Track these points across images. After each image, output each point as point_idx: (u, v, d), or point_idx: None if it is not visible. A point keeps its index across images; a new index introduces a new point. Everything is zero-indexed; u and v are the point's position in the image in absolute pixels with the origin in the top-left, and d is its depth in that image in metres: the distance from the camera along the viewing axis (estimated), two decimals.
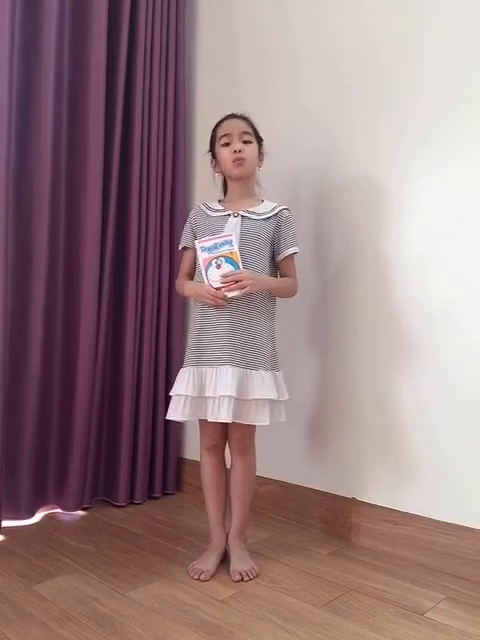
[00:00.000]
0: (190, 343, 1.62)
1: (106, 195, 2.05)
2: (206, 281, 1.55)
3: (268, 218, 1.64)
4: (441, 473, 1.64)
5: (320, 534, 1.87)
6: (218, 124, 1.68)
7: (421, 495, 1.68)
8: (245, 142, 1.63)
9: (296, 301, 1.81)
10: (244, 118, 1.67)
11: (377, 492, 1.77)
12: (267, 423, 1.54)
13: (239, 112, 1.68)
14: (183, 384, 1.56)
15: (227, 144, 1.63)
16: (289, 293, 1.69)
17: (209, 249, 1.54)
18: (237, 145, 1.61)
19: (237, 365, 1.52)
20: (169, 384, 2.20)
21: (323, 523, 1.88)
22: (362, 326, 1.83)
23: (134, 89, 2.12)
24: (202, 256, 1.55)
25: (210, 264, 1.54)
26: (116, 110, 2.07)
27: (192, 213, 1.73)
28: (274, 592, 1.46)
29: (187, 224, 1.73)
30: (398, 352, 1.74)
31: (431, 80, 1.68)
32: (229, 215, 1.63)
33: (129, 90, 2.12)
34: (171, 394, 1.59)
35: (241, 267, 1.52)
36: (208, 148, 1.73)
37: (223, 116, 1.68)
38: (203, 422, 1.58)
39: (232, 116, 1.67)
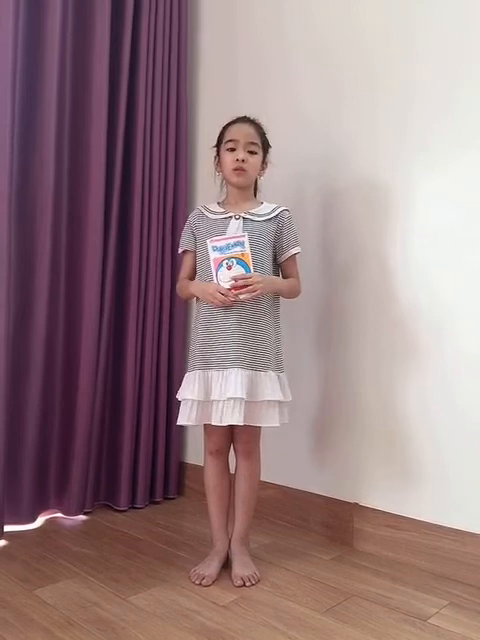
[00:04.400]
0: (196, 346, 1.60)
1: (108, 200, 2.05)
2: (216, 281, 1.54)
3: (269, 219, 1.64)
4: (444, 478, 1.64)
5: (322, 539, 1.86)
6: (228, 125, 1.66)
7: (424, 500, 1.67)
8: (250, 152, 1.61)
9: (300, 304, 1.81)
10: (254, 124, 1.65)
11: (380, 497, 1.76)
12: (277, 424, 1.53)
13: (251, 116, 1.66)
14: (190, 388, 1.55)
15: (232, 149, 1.62)
16: (294, 294, 1.69)
17: (221, 249, 1.52)
18: (241, 154, 1.60)
19: (246, 367, 1.52)
20: (171, 388, 2.21)
21: (325, 528, 1.88)
22: (366, 330, 1.83)
23: (136, 96, 2.12)
24: (213, 255, 1.53)
25: (221, 264, 1.52)
26: (119, 116, 2.07)
27: (191, 216, 1.72)
28: (276, 597, 1.45)
29: (186, 227, 1.72)
30: (402, 357, 1.74)
31: (431, 82, 1.68)
32: (230, 217, 1.63)
33: (131, 97, 2.12)
34: (179, 398, 1.59)
35: (252, 269, 1.52)
36: (212, 146, 1.70)
37: (234, 117, 1.66)
38: (209, 426, 1.57)
39: (243, 120, 1.65)
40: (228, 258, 1.51)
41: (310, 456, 1.95)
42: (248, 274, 1.51)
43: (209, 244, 1.54)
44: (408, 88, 1.74)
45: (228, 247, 1.52)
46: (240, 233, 1.56)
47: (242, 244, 1.51)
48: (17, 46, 1.81)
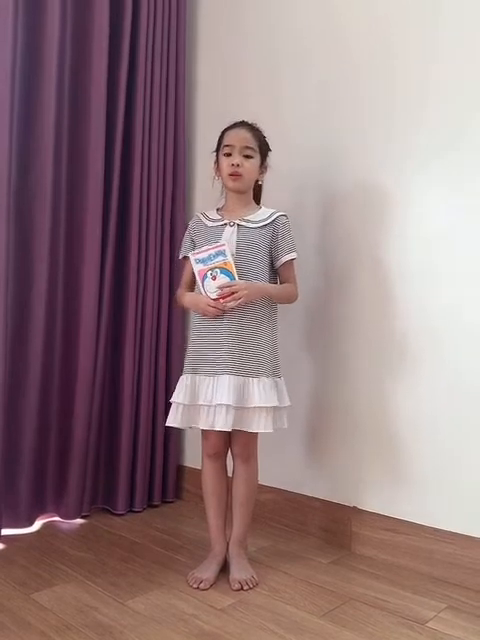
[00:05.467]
0: (189, 351, 1.63)
1: (106, 207, 2.05)
2: (203, 293, 1.56)
3: (264, 226, 1.64)
4: (442, 481, 1.64)
5: (320, 543, 1.86)
6: (225, 131, 1.66)
7: (422, 504, 1.67)
8: (246, 156, 1.62)
9: (296, 308, 1.81)
10: (251, 128, 1.65)
11: (378, 501, 1.76)
12: (270, 430, 1.54)
13: (249, 120, 1.67)
14: (180, 392, 1.57)
15: (228, 154, 1.62)
16: (288, 299, 1.69)
17: (203, 261, 1.55)
18: (236, 159, 1.61)
19: (236, 373, 1.52)
20: (169, 392, 2.20)
21: (323, 532, 1.87)
22: (363, 334, 1.83)
23: (135, 103, 2.12)
24: (197, 268, 1.56)
25: (205, 276, 1.55)
26: (117, 121, 2.07)
27: (191, 223, 1.73)
28: (274, 601, 1.45)
29: (186, 234, 1.73)
30: (399, 361, 1.74)
31: (438, 90, 1.68)
32: (225, 224, 1.63)
33: (130, 104, 2.12)
34: (170, 401, 1.60)
35: (236, 277, 1.53)
36: (211, 152, 1.71)
37: (232, 122, 1.67)
38: (206, 429, 1.58)
39: (239, 125, 1.65)
40: (211, 269, 1.54)
41: (308, 460, 1.95)
42: (232, 282, 1.52)
43: (192, 257, 1.57)
44: (416, 95, 1.73)
45: (210, 258, 1.54)
46: (221, 242, 1.56)
47: (223, 253, 1.53)
48: (17, 49, 1.81)
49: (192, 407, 1.55)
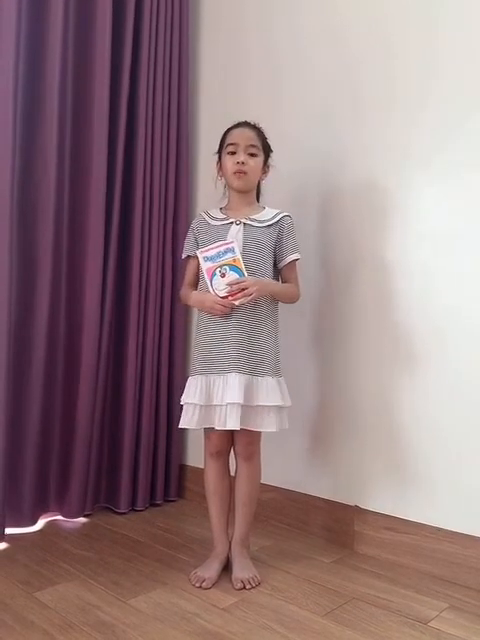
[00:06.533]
0: (197, 351, 1.62)
1: (109, 205, 2.06)
2: (211, 290, 1.55)
3: (270, 225, 1.64)
4: (445, 481, 1.64)
5: (323, 542, 1.86)
6: (228, 130, 1.67)
7: (424, 503, 1.67)
8: (251, 154, 1.63)
9: (299, 307, 1.81)
10: (255, 128, 1.66)
11: (380, 500, 1.76)
12: (274, 429, 1.54)
13: (252, 121, 1.68)
14: (192, 393, 1.56)
15: (232, 153, 1.63)
16: (291, 298, 1.69)
17: (212, 258, 1.54)
18: (241, 157, 1.61)
19: (244, 372, 1.53)
20: (171, 391, 2.22)
21: (326, 531, 1.88)
22: (365, 333, 1.83)
23: (137, 103, 2.13)
24: (205, 265, 1.55)
25: (214, 273, 1.54)
26: (119, 119, 2.08)
27: (194, 222, 1.73)
28: (276, 600, 1.45)
29: (189, 233, 1.73)
30: (401, 360, 1.74)
31: (441, 88, 1.68)
32: (231, 223, 1.64)
33: (132, 103, 2.13)
34: (182, 403, 1.60)
35: (245, 274, 1.53)
36: (213, 154, 1.73)
37: (235, 122, 1.68)
38: (208, 428, 1.58)
39: (243, 125, 1.66)
40: (220, 266, 1.53)
41: (311, 459, 1.95)
42: (242, 279, 1.52)
43: (200, 255, 1.56)
44: (419, 94, 1.73)
45: (219, 255, 1.53)
46: (229, 239, 1.57)
47: (232, 250, 1.53)
48: (19, 54, 1.82)
49: (207, 408, 1.54)
